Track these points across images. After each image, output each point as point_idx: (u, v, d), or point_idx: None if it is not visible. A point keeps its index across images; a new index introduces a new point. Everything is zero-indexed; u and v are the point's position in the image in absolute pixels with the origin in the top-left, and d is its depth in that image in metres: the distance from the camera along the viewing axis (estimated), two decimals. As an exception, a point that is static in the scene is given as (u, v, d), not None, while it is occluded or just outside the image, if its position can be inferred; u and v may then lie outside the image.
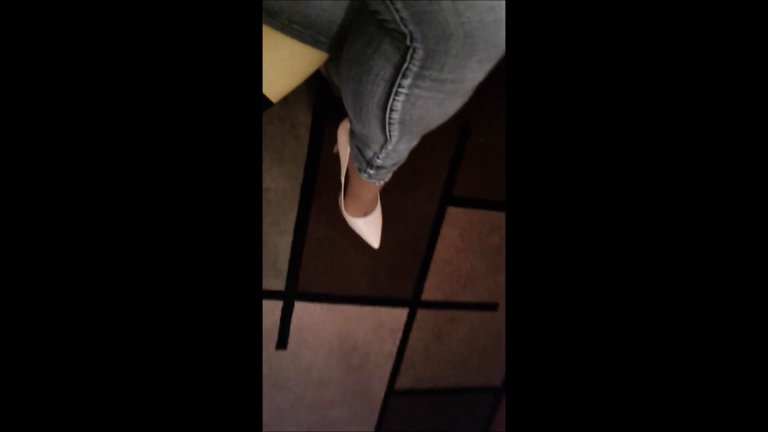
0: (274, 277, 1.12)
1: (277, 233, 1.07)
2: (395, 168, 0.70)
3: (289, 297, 1.15)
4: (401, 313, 1.27)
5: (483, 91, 0.50)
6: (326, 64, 0.78)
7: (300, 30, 0.52)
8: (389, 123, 0.53)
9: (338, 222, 1.08)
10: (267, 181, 1.02)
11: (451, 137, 1.08)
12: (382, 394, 1.38)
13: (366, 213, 0.89)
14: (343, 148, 0.77)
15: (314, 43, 0.54)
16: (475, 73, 0.41)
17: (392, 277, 1.20)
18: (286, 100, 0.96)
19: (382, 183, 0.73)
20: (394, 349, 1.32)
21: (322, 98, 0.97)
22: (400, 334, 1.30)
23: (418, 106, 0.49)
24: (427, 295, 1.26)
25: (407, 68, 0.45)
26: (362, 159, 0.67)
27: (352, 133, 0.65)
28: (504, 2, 0.29)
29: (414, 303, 1.25)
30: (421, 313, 1.28)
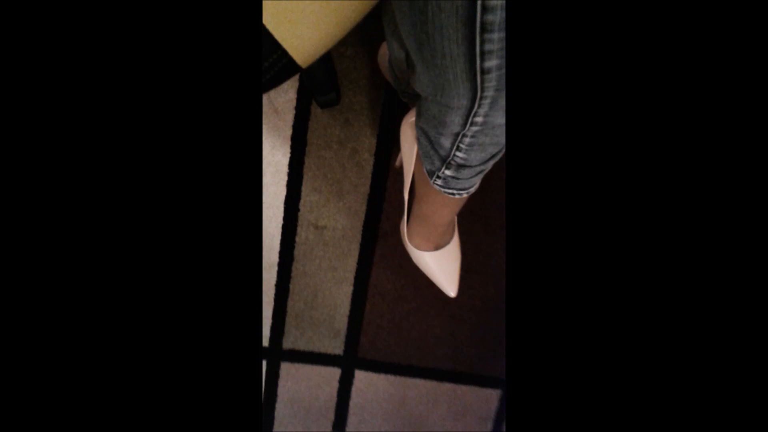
0: (329, 338, 0.92)
1: (334, 281, 0.89)
2: (481, 173, 0.50)
3: (348, 364, 0.93)
4: (491, 396, 0.97)
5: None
6: (390, 60, 0.62)
7: None
8: (482, 56, 0.33)
9: (409, 268, 0.87)
10: (324, 218, 0.86)
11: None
12: (465, 507, 1.05)
13: (437, 246, 0.67)
14: (408, 149, 0.58)
15: None
16: None
17: (479, 347, 0.93)
18: (347, 120, 0.81)
19: (462, 197, 0.53)
20: (482, 444, 1.01)
21: (390, 114, 0.80)
22: (490, 424, 0.99)
23: None
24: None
25: None
26: (434, 154, 0.48)
27: (421, 116, 0.47)
28: None
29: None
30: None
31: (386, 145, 0.83)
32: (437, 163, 0.49)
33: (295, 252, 0.88)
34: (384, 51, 0.69)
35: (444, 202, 0.56)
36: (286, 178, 0.85)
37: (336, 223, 0.87)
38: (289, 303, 0.91)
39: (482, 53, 0.32)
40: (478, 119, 0.39)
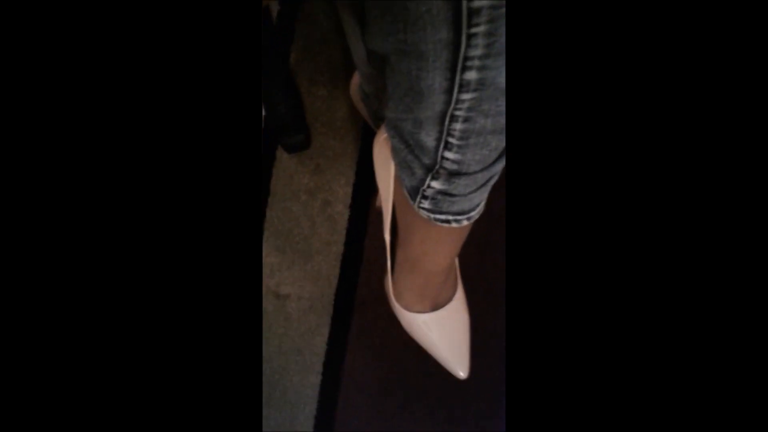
0: (288, 447, 0.68)
1: (297, 369, 0.69)
2: (486, 186, 0.36)
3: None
4: None
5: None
6: (363, 96, 0.54)
7: None
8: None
9: (394, 349, 0.68)
10: (287, 285, 0.70)
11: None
12: None
13: (435, 304, 0.49)
14: (384, 168, 0.44)
15: None
16: None
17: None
18: (318, 167, 0.71)
19: (462, 227, 0.38)
20: None
21: (368, 159, 0.71)
22: None
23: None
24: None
25: None
26: (414, 160, 0.35)
27: (390, 100, 0.36)
28: None
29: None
30: None
31: (364, 195, 0.71)
32: (419, 173, 0.36)
33: (248, 324, 0.69)
34: (356, 80, 0.62)
35: (436, 236, 0.41)
36: (242, 235, 0.70)
37: (302, 290, 0.70)
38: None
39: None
40: (471, 75, 0.27)
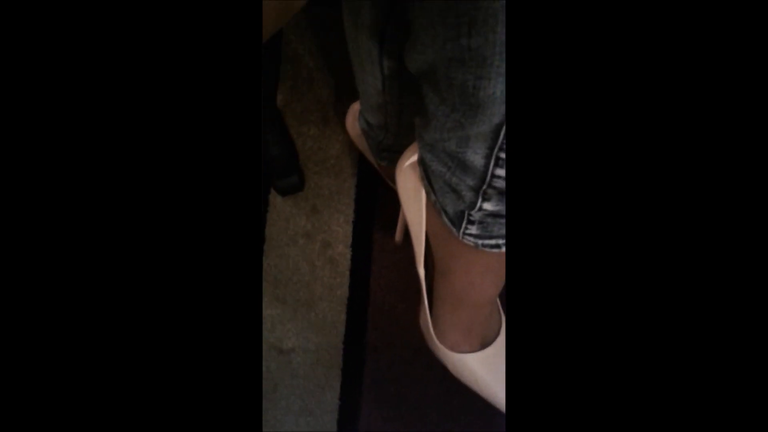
0: None
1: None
2: None
3: None
4: None
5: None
6: (363, 111, 0.52)
7: None
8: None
9: (412, 398, 0.62)
10: (290, 338, 0.64)
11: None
12: None
13: (484, 341, 0.44)
14: (413, 200, 0.41)
15: None
16: None
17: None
18: (315, 208, 0.67)
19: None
20: None
21: (366, 194, 0.68)
22: None
23: None
24: None
25: None
26: (460, 183, 0.33)
27: (432, 148, 0.34)
28: None
29: None
30: None
31: (365, 232, 0.67)
32: (468, 196, 0.33)
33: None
34: (354, 111, 0.60)
35: (484, 264, 0.38)
36: (239, 288, 0.65)
37: (307, 342, 0.65)
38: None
39: None
40: None
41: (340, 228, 0.68)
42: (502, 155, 0.30)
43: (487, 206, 0.33)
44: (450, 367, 0.45)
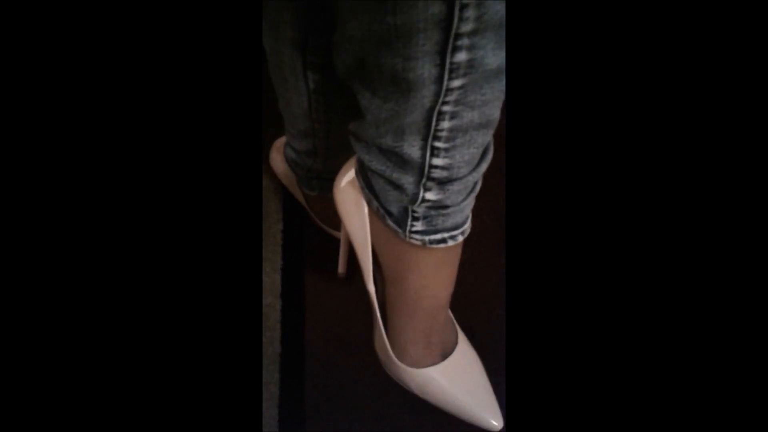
0: None
1: None
2: (473, 193, 0.36)
3: None
4: None
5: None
6: (290, 142, 0.53)
7: None
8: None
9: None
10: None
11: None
12: None
13: (444, 351, 0.42)
14: (355, 213, 0.40)
15: None
16: None
17: None
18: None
19: (457, 245, 0.36)
20: None
21: (295, 237, 0.64)
22: None
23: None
24: None
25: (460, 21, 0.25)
26: (401, 177, 0.34)
27: (369, 149, 0.35)
28: None
29: None
30: None
31: (295, 279, 0.63)
32: (410, 188, 0.34)
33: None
34: (278, 146, 0.59)
35: (434, 263, 0.38)
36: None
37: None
38: None
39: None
40: (461, 56, 0.26)
41: (267, 278, 0.62)
42: (437, 144, 0.31)
43: (430, 196, 0.34)
44: (414, 386, 0.41)
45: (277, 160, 0.59)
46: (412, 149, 0.31)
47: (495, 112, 0.30)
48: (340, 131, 0.42)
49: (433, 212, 0.35)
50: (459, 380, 0.41)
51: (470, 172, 0.33)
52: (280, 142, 0.59)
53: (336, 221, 0.63)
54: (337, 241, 0.65)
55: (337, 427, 0.56)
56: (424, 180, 0.33)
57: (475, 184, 0.35)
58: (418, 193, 0.34)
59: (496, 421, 0.39)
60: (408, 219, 0.35)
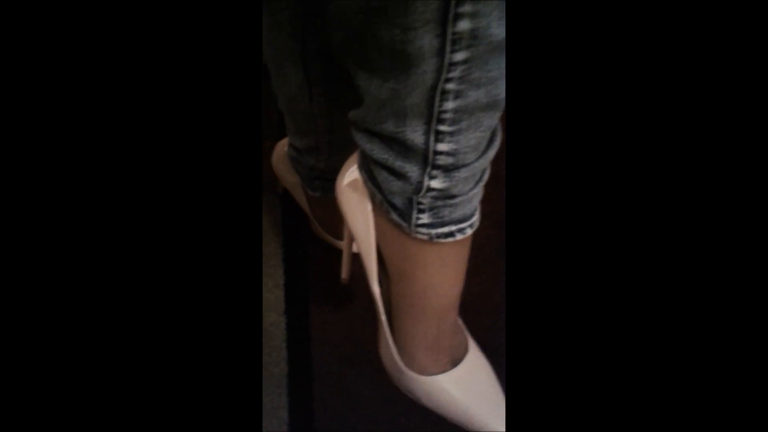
0: None
1: None
2: (481, 182, 0.33)
3: None
4: None
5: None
6: (293, 142, 0.51)
7: None
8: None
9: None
10: None
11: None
12: None
13: (454, 358, 0.39)
14: (358, 211, 0.38)
15: None
16: None
17: None
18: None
19: (466, 238, 0.34)
20: None
21: (296, 249, 0.61)
22: None
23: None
24: None
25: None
26: (405, 166, 0.32)
27: (370, 137, 0.33)
28: None
29: None
30: None
31: (299, 294, 0.60)
32: (414, 176, 0.31)
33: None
34: (280, 148, 0.57)
35: (441, 258, 0.35)
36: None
37: None
38: None
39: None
40: (464, 25, 0.24)
41: (271, 294, 0.59)
42: (441, 128, 0.29)
43: (435, 184, 0.31)
44: (422, 395, 0.38)
45: (280, 161, 0.57)
46: (414, 134, 0.29)
47: (502, 92, 0.28)
48: (342, 126, 0.40)
49: (439, 203, 0.32)
50: (470, 389, 0.38)
51: (477, 159, 0.31)
52: (283, 143, 0.56)
53: (338, 229, 0.60)
54: (340, 251, 0.62)
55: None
56: (428, 168, 0.31)
57: (483, 171, 0.33)
58: (422, 182, 0.31)
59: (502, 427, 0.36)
60: (413, 211, 0.33)
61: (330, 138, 0.46)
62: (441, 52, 0.25)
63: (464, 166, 0.31)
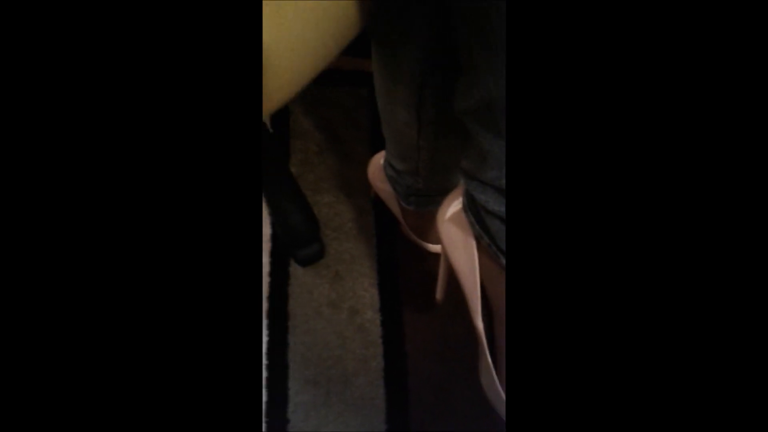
0: None
1: None
2: None
3: None
4: None
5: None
6: (390, 153, 0.54)
7: None
8: None
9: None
10: (328, 426, 0.57)
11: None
12: None
13: None
14: (462, 250, 0.39)
15: None
16: None
17: None
18: (338, 274, 0.64)
19: None
20: None
21: (388, 252, 0.65)
22: None
23: None
24: None
25: None
26: None
27: (481, 195, 0.35)
28: None
29: None
30: None
31: (392, 293, 0.63)
32: None
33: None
34: (376, 160, 0.60)
35: None
36: (265, 374, 0.59)
37: (347, 427, 0.57)
38: None
39: None
40: None
41: (366, 292, 0.64)
42: None
43: None
44: None
45: (375, 172, 0.60)
46: None
47: None
48: (446, 154, 0.41)
49: None
50: None
51: None
52: (379, 156, 0.59)
53: (428, 234, 0.62)
54: (430, 253, 0.65)
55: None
56: None
57: None
58: None
59: None
60: None
61: (431, 164, 0.47)
62: None
63: None
